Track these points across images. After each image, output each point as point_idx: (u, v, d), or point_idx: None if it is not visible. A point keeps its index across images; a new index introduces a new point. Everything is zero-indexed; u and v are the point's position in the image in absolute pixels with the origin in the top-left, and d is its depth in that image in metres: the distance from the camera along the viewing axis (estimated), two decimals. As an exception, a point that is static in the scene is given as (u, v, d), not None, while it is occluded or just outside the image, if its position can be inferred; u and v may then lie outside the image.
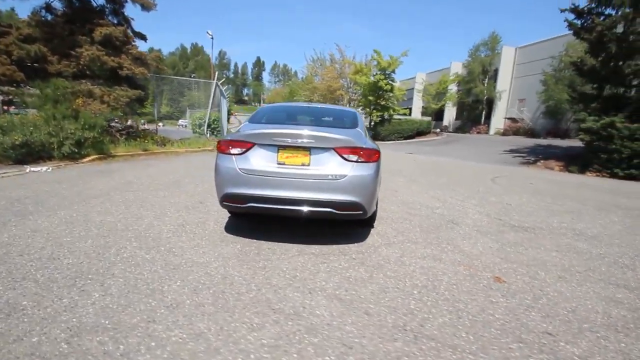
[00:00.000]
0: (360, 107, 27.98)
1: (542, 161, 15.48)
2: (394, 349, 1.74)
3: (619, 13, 12.91)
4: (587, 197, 6.80)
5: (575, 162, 13.94)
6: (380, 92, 25.32)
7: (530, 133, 27.23)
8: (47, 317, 1.85)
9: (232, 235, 3.33)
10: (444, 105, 33.72)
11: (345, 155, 2.96)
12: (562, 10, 15.20)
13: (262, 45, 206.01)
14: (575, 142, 20.25)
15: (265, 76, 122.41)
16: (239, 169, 2.98)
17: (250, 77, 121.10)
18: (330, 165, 2.95)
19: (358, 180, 2.95)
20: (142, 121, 13.92)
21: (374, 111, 26.06)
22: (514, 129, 28.54)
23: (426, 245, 3.36)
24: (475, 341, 1.85)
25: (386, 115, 26.31)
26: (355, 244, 3.28)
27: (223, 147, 3.12)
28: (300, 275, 2.55)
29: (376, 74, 25.50)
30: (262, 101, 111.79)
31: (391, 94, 25.71)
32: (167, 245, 3.00)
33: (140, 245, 2.96)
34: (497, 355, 1.74)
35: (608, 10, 13.79)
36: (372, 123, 27.01)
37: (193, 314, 1.94)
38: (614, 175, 11.98)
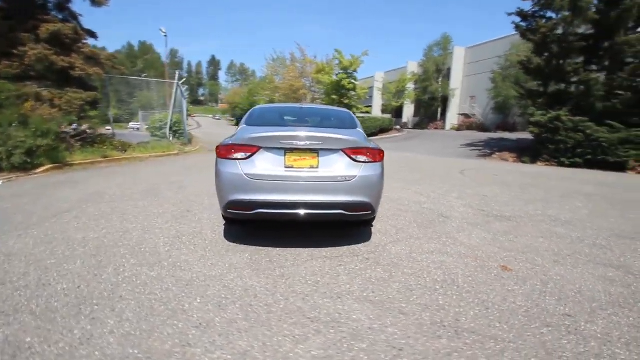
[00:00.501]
0: (324, 106, 28.28)
1: (497, 153, 16.64)
2: (442, 346, 1.76)
3: (559, 16, 14.22)
4: (548, 186, 7.42)
5: (527, 153, 15.18)
6: (343, 91, 25.67)
7: (482, 127, 29.15)
8: (62, 353, 1.63)
9: (235, 244, 3.18)
10: (403, 103, 35.00)
11: (353, 156, 2.95)
12: (510, 14, 16.43)
13: (216, 44, 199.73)
14: (523, 135, 22.06)
15: (222, 76, 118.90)
16: (245, 174, 2.85)
17: (206, 77, 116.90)
18: (339, 166, 2.92)
19: (367, 181, 2.95)
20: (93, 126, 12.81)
21: (338, 110, 26.36)
22: (467, 124, 30.40)
23: (428, 240, 3.46)
24: (509, 330, 1.93)
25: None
26: (363, 244, 3.29)
27: (224, 152, 2.96)
28: (322, 280, 2.50)
29: (339, 73, 25.81)
30: (219, 101, 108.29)
31: (354, 93, 26.14)
32: (170, 259, 2.79)
33: (139, 261, 2.72)
34: (534, 341, 1.83)
35: (550, 14, 15.15)
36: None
37: (229, 332, 1.82)
38: (561, 164, 13.20)
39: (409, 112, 38.24)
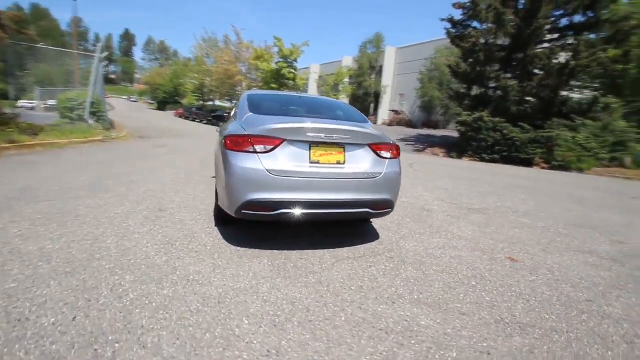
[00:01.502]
0: (262, 95, 27.36)
1: (429, 149, 18.15)
2: (520, 344, 1.78)
3: (484, 27, 15.94)
4: (488, 180, 8.33)
5: (454, 149, 16.87)
6: (283, 81, 25.10)
7: (410, 124, 31.55)
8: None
9: (244, 248, 2.81)
10: (338, 97, 35.83)
11: (379, 152, 2.83)
12: (442, 20, 17.85)
13: (131, 16, 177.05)
14: (447, 132, 24.52)
15: (138, 52, 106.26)
16: (267, 170, 2.51)
17: (118, 52, 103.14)
18: (366, 162, 2.77)
19: (391, 178, 2.86)
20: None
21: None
22: (397, 120, 32.58)
23: (431, 235, 3.54)
24: (559, 320, 2.05)
25: (289, 104, 26.35)
26: (376, 242, 3.21)
27: (239, 144, 2.57)
28: (364, 284, 2.34)
29: (279, 61, 25.12)
30: (134, 82, 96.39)
31: (294, 83, 25.78)
32: (177, 272, 2.32)
33: (138, 277, 2.21)
34: (585, 328, 1.98)
35: (475, 24, 16.88)
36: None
37: (308, 357, 1.57)
38: (482, 160, 14.98)
39: (343, 105, 39.29)
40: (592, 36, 14.28)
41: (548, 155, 13.74)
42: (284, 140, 2.56)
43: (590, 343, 1.84)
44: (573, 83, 15.46)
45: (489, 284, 2.49)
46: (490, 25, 15.19)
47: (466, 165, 12.07)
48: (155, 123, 22.08)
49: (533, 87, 14.60)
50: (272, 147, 2.54)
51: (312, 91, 40.24)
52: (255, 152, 2.53)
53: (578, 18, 14.77)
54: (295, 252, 2.81)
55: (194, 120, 31.74)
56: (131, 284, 2.12)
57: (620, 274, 2.84)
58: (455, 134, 18.28)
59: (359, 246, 3.06)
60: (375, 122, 34.88)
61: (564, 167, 13.10)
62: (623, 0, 14.42)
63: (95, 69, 11.61)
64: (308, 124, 2.64)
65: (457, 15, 17.44)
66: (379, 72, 35.31)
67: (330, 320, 1.88)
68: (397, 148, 2.98)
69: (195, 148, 10.57)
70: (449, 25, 17.73)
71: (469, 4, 16.34)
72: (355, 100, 34.90)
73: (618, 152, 12.80)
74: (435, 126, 29.41)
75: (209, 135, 16.99)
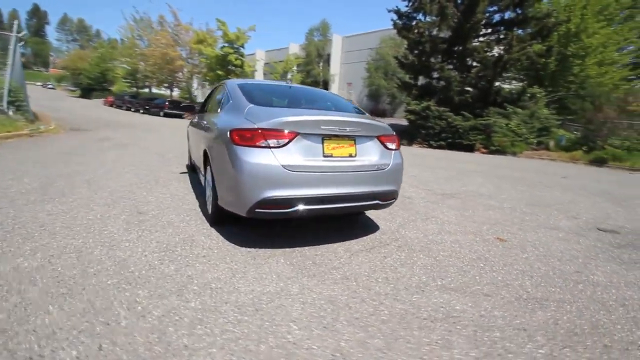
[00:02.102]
0: (207, 82, 25.66)
1: (381, 136, 18.85)
2: (544, 317, 1.96)
3: (428, 19, 16.78)
4: (445, 165, 8.94)
5: (404, 136, 17.71)
6: (230, 67, 23.95)
7: (359, 112, 32.39)
8: None
9: (255, 249, 2.65)
10: (285, 84, 35.26)
11: (386, 144, 2.85)
12: (389, 11, 18.37)
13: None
14: (394, 121, 25.59)
15: (51, 32, 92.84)
16: (282, 165, 2.38)
17: (27, 32, 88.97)
18: (374, 154, 2.77)
19: (397, 169, 2.91)
20: None
21: (225, 87, 24.52)
22: (347, 108, 33.19)
23: (424, 221, 3.71)
24: (564, 292, 2.30)
25: (237, 92, 25.28)
26: (379, 232, 3.27)
27: (250, 139, 2.40)
28: (388, 275, 2.38)
29: (224, 46, 23.83)
30: (49, 66, 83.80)
31: (242, 70, 24.75)
32: (195, 281, 2.12)
33: (152, 292, 1.97)
34: (586, 296, 2.24)
35: (420, 17, 17.67)
36: (223, 100, 25.50)
37: (373, 355, 1.55)
38: (430, 146, 16.02)
39: (291, 94, 38.84)
40: (521, 32, 15.86)
41: (487, 140, 15.14)
42: (298, 133, 2.45)
43: (596, 309, 2.09)
44: (504, 74, 17.14)
45: (493, 264, 2.69)
46: (434, 18, 16.05)
47: (419, 152, 12.80)
48: (85, 113, 19.64)
49: (472, 78, 15.88)
50: (286, 141, 2.42)
51: (259, 79, 39.07)
52: (269, 146, 2.39)
53: (508, 14, 16.29)
54: (307, 248, 2.74)
55: (128, 110, 28.92)
56: (148, 299, 1.89)
57: (588, 246, 3.27)
58: (403, 122, 19.20)
59: (364, 237, 3.09)
60: (324, 111, 35.11)
61: (500, 151, 14.57)
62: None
63: (12, 51, 9.89)
64: (322, 116, 2.56)
65: (403, 7, 18.14)
66: (327, 61, 35.43)
67: (375, 316, 1.88)
68: (398, 139, 3.03)
69: (145, 141, 9.66)
70: (395, 17, 18.39)
71: (414, -4, 17.06)
72: (304, 88, 34.81)
73: (543, 137, 14.57)
74: (382, 114, 30.52)
75: (155, 126, 15.66)
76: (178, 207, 3.60)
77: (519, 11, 15.63)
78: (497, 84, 16.90)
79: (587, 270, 2.68)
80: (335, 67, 35.03)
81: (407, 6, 17.88)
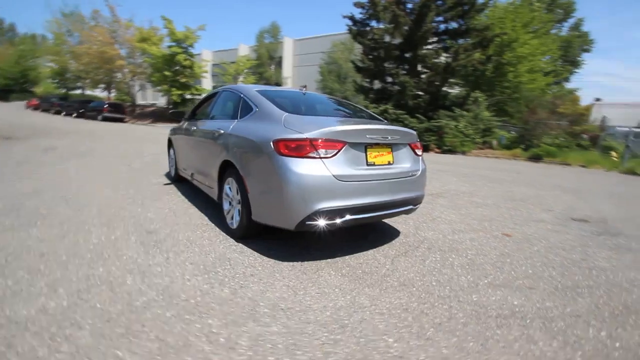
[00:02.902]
0: (152, 83, 23.90)
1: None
2: (586, 304, 2.19)
3: (381, 25, 17.53)
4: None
5: (363, 138, 18.34)
6: (179, 68, 22.62)
7: (313, 115, 32.63)
8: None
9: (297, 262, 2.57)
10: (236, 87, 34.26)
11: (415, 150, 2.94)
12: (344, 17, 18.87)
13: None
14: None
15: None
16: (334, 175, 2.34)
17: None
18: (408, 161, 2.85)
19: (424, 174, 3.03)
20: None
21: (173, 89, 23.05)
22: (301, 111, 33.27)
23: (432, 222, 3.89)
24: (586, 278, 2.58)
25: (188, 95, 23.96)
26: (402, 236, 3.36)
27: (299, 149, 2.32)
28: (438, 278, 2.46)
29: (171, 45, 22.43)
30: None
31: (191, 71, 23.52)
32: (261, 304, 1.99)
33: (223, 319, 1.80)
34: (603, 280, 2.54)
35: (373, 23, 18.40)
36: (172, 103, 23.92)
37: (477, 358, 1.61)
38: (389, 147, 16.77)
39: (243, 96, 37.87)
40: (464, 41, 17.32)
41: (439, 141, 16.26)
42: (346, 143, 2.43)
43: (619, 291, 2.39)
44: (450, 80, 18.56)
45: (517, 258, 2.92)
46: (387, 25, 16.83)
47: (383, 153, 13.30)
48: (10, 119, 17.14)
49: (424, 83, 16.95)
50: (336, 151, 2.38)
51: (206, 81, 37.52)
52: (320, 157, 2.34)
53: (453, 25, 17.69)
54: (347, 257, 2.73)
55: (58, 113, 25.92)
56: (224, 328, 1.74)
57: (576, 235, 3.70)
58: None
59: (392, 242, 3.15)
60: (278, 114, 34.81)
61: (452, 150, 15.75)
62: (485, 13, 17.89)
63: None
64: (367, 125, 2.57)
65: (357, 13, 18.76)
66: (279, 64, 35.16)
67: (454, 319, 1.94)
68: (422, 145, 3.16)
69: (98, 150, 8.73)
70: (350, 22, 18.94)
71: (367, 4, 17.73)
72: (256, 91, 34.08)
73: (487, 137, 16.07)
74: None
75: (100, 133, 14.22)
76: (188, 223, 3.34)
77: (462, 22, 17.06)
78: (444, 88, 18.24)
79: (590, 257, 3.04)
80: (287, 70, 34.91)
81: (361, 13, 18.52)
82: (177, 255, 2.59)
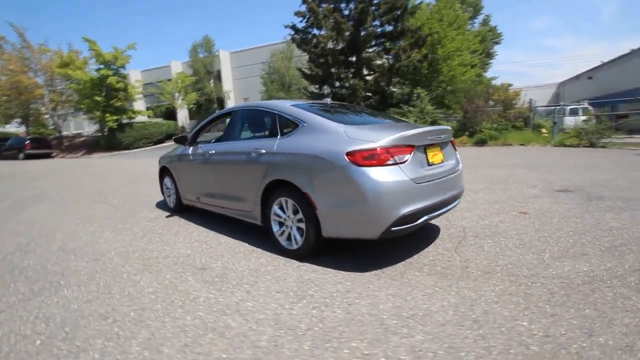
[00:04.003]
0: (82, 110, 21.54)
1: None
2: (635, 260, 2.55)
3: (323, 32, 18.03)
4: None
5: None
6: (111, 92, 20.78)
7: (261, 126, 32.19)
8: None
9: (374, 271, 2.58)
10: (173, 105, 32.41)
11: (454, 147, 3.13)
12: (286, 27, 19.07)
13: None
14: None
15: None
16: (411, 179, 2.41)
17: None
18: (452, 158, 3.03)
19: (462, 169, 3.23)
20: None
21: (107, 115, 21.07)
22: (248, 123, 32.64)
23: (454, 211, 4.14)
24: (617, 238, 2.98)
25: (125, 119, 22.10)
26: (444, 229, 3.53)
27: (377, 158, 2.36)
28: (512, 259, 2.65)
29: (100, 68, 20.51)
30: None
31: (125, 94, 21.76)
32: (385, 316, 1.97)
33: (371, 337, 1.77)
34: (629, 237, 2.97)
35: (315, 31, 18.84)
36: (107, 130, 21.84)
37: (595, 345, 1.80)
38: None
39: (183, 115, 35.98)
40: (400, 43, 18.56)
41: (394, 137, 17.17)
42: (414, 146, 2.52)
43: (633, 250, 2.81)
44: (393, 79, 19.73)
45: (550, 232, 3.26)
46: (330, 32, 17.37)
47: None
48: None
49: (372, 84, 17.80)
50: (408, 155, 2.46)
51: (142, 103, 34.97)
52: (396, 163, 2.39)
53: (389, 28, 18.86)
54: (415, 257, 2.80)
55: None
56: (371, 347, 1.70)
57: (575, 204, 4.22)
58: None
59: (441, 235, 3.31)
60: (224, 129, 33.73)
61: (407, 144, 16.73)
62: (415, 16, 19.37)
63: None
64: (428, 127, 2.68)
65: (298, 22, 19.06)
66: (218, 77, 34.10)
67: (556, 294, 2.12)
68: (452, 141, 3.37)
69: (55, 191, 7.68)
70: (292, 32, 19.19)
71: (308, 13, 18.14)
72: (198, 107, 32.48)
73: (436, 128, 17.36)
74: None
75: (35, 173, 12.47)
76: (233, 252, 3.14)
77: (398, 25, 18.28)
78: (390, 88, 19.34)
79: (601, 221, 3.51)
80: (228, 84, 34.02)
81: (301, 21, 18.87)
82: (254, 286, 2.44)
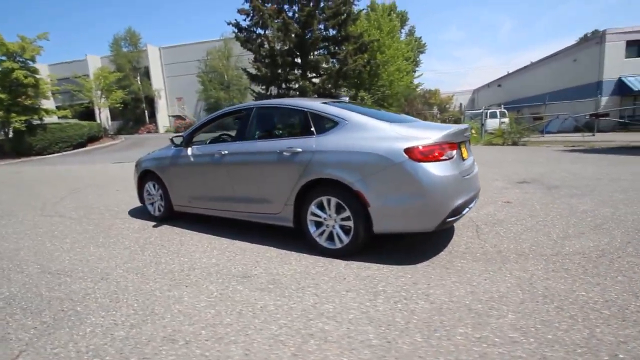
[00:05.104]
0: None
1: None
2: (625, 230, 3.10)
3: (269, 32, 17.81)
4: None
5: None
6: (18, 88, 17.63)
7: (199, 127, 30.36)
8: None
9: (424, 262, 2.70)
10: (92, 105, 28.74)
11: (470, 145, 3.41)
12: (229, 24, 18.43)
13: None
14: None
15: None
16: (459, 173, 2.60)
17: None
18: (471, 154, 3.29)
19: (475, 164, 3.53)
20: None
21: (14, 115, 17.82)
22: (184, 125, 30.48)
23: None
24: (604, 212, 3.57)
25: (36, 120, 18.95)
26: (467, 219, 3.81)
27: (434, 153, 2.49)
28: (543, 243, 3.00)
29: (2, 60, 17.21)
30: None
31: (36, 91, 18.67)
32: (472, 308, 2.10)
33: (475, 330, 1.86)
34: (625, 214, 3.59)
35: (259, 30, 18.50)
36: (12, 133, 18.44)
37: None
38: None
39: (104, 115, 32.09)
40: (345, 48, 19.25)
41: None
42: (457, 143, 2.70)
43: (623, 216, 3.42)
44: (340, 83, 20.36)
45: (544, 216, 3.75)
46: (276, 32, 17.21)
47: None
48: None
49: (320, 86, 18.13)
50: (455, 151, 2.63)
51: (51, 101, 30.25)
52: (449, 158, 2.54)
53: (333, 32, 19.41)
54: (449, 247, 2.99)
55: None
56: (478, 331, 1.81)
57: (542, 194, 4.91)
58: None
59: (455, 225, 3.57)
60: (157, 131, 31.06)
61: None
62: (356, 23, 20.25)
63: None
64: (461, 126, 2.87)
65: (241, 20, 18.50)
66: (146, 74, 31.22)
67: (600, 265, 2.48)
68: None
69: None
70: (235, 30, 18.57)
71: (252, 11, 17.73)
72: (125, 107, 29.24)
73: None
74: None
75: None
76: (266, 257, 2.98)
77: (341, 30, 18.92)
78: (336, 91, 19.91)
79: (574, 205, 4.14)
80: (158, 82, 31.39)
81: (245, 20, 18.38)
82: (318, 288, 2.36)
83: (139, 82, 30.60)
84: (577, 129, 16.03)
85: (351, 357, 1.66)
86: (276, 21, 17.26)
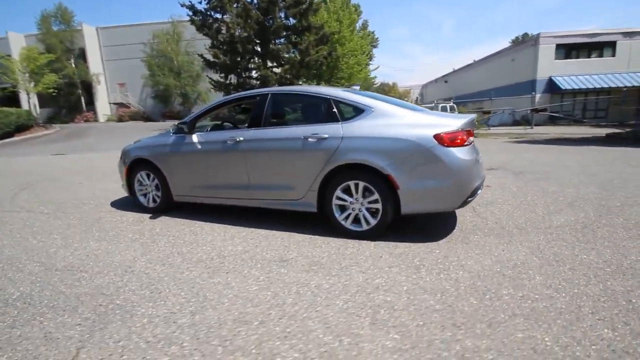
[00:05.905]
0: None
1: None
2: (597, 204, 3.66)
3: (227, 17, 17.11)
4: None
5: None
6: None
7: (147, 117, 28.29)
8: None
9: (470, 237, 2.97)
10: (16, 89, 25.20)
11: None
12: (182, 5, 17.36)
13: None
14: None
15: None
16: (475, 157, 2.89)
17: None
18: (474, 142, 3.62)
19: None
20: None
21: None
22: (129, 114, 28.18)
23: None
24: (577, 194, 4.15)
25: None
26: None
27: (458, 139, 2.75)
28: (536, 217, 3.42)
29: None
30: None
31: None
32: (517, 289, 2.38)
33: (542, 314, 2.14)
34: (587, 208, 4.18)
35: (217, 15, 17.69)
36: None
37: None
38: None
39: (31, 101, 28.29)
40: (308, 38, 19.18)
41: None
42: (473, 130, 2.98)
43: (590, 195, 4.03)
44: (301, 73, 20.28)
45: (523, 198, 4.25)
46: (236, 18, 16.57)
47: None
48: None
49: (282, 76, 17.92)
50: (473, 137, 2.91)
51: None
52: (469, 144, 2.81)
53: (293, 22, 19.20)
54: (460, 226, 3.30)
55: None
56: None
57: (513, 178, 5.52)
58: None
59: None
60: (95, 120, 28.27)
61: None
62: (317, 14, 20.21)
63: None
64: (473, 115, 3.15)
65: (197, 2, 17.49)
66: (82, 56, 28.07)
67: (595, 230, 2.92)
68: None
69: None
70: (190, 12, 17.53)
71: (210, -5, 16.86)
72: (58, 93, 25.91)
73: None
74: (178, 117, 28.20)
75: None
76: (296, 241, 3.03)
77: (302, 20, 18.79)
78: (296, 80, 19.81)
79: (544, 187, 4.74)
80: (96, 66, 28.44)
81: (200, 2, 17.44)
82: (360, 267, 2.49)
83: (74, 65, 27.43)
84: (515, 123, 17.93)
85: (425, 320, 1.83)
86: (235, 6, 16.64)
